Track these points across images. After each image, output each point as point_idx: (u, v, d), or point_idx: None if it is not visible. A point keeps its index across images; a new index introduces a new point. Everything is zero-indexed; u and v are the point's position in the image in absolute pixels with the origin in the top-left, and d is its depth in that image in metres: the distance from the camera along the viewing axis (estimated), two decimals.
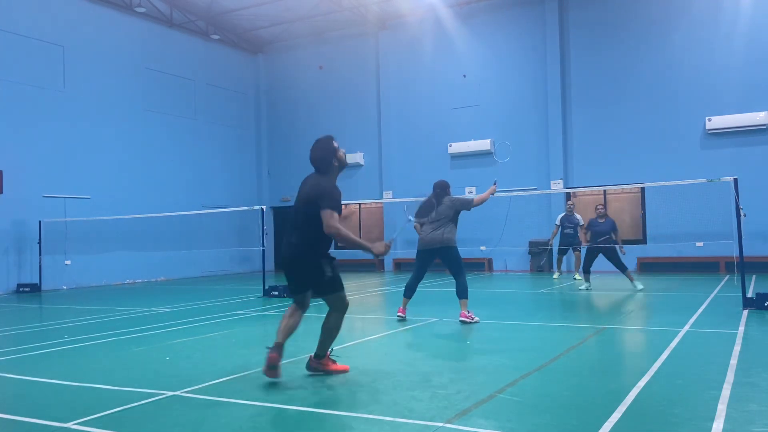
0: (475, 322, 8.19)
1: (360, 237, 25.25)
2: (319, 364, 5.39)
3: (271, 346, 5.08)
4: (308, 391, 4.84)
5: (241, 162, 23.41)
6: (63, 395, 5.02)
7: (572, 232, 14.90)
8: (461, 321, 8.22)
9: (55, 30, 17.22)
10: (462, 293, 8.30)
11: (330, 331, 5.38)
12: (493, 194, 8.56)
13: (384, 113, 21.61)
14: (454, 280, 8.38)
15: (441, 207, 8.39)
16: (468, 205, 8.48)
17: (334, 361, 5.48)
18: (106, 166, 18.25)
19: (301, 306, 5.28)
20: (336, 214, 5.00)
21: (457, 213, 8.44)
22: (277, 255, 23.15)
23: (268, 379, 5.13)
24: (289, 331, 5.18)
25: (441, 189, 8.59)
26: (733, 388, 4.59)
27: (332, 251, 5.33)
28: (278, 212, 23.78)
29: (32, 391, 5.21)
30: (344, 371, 5.44)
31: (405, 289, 8.70)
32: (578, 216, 15.17)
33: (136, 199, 18.67)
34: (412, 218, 8.23)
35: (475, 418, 4.05)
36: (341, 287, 5.34)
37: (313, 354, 5.42)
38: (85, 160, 17.71)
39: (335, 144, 5.31)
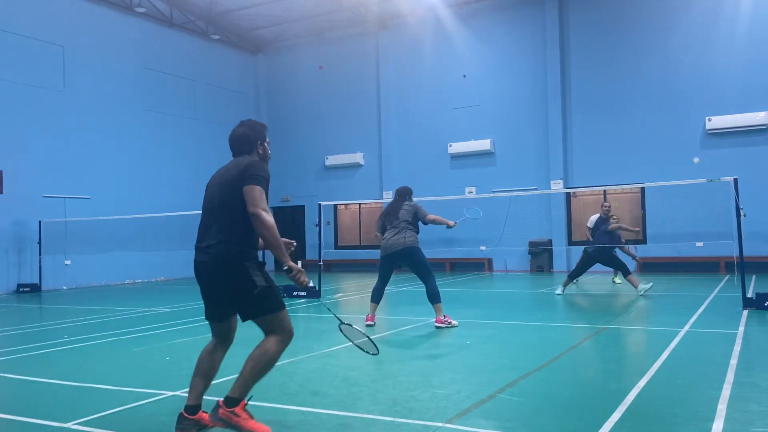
0: (454, 327, 7.98)
1: (360, 237, 24.92)
2: (230, 414, 3.63)
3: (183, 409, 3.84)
4: (308, 391, 4.84)
5: None
6: (63, 395, 5.02)
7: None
8: (437, 327, 7.97)
9: (55, 30, 17.21)
10: (434, 298, 8.02)
11: (260, 366, 3.68)
12: (448, 227, 8.24)
13: (384, 113, 21.61)
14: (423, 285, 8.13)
15: (401, 212, 8.18)
16: (424, 217, 8.20)
17: (250, 416, 3.72)
18: (106, 166, 18.25)
19: (224, 339, 3.98)
20: (264, 194, 3.73)
21: (416, 219, 8.22)
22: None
23: (267, 379, 5.11)
24: (207, 379, 3.90)
25: (401, 195, 8.42)
26: (733, 388, 4.59)
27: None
28: (278, 212, 23.77)
29: (32, 391, 5.21)
30: None
31: (372, 295, 8.41)
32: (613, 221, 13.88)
33: (136, 199, 18.66)
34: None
35: (475, 418, 4.05)
36: (280, 306, 3.79)
37: (222, 398, 3.72)
38: (85, 160, 17.70)
39: (266, 133, 4.16)
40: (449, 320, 8.07)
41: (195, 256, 3.86)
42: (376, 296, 8.38)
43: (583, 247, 12.87)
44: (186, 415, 3.80)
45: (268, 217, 3.63)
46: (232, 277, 3.70)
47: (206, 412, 3.82)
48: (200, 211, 4.08)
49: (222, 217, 3.79)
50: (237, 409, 3.65)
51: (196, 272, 3.85)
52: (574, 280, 13.11)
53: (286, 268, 3.67)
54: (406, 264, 8.22)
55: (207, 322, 4.04)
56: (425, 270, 8.13)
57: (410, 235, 8.08)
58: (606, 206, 13.52)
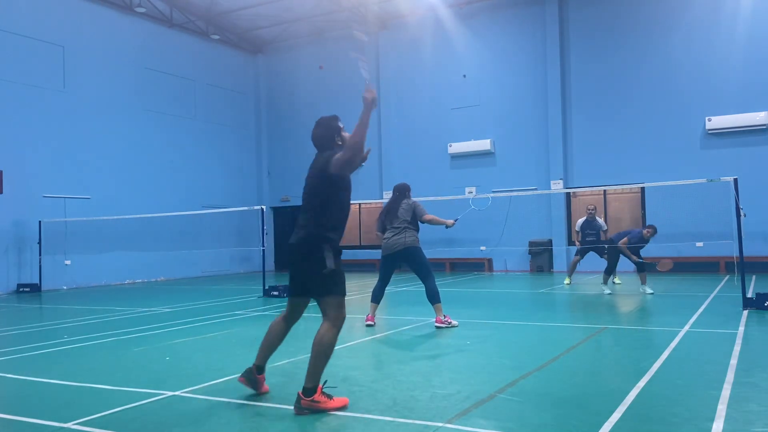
0: (454, 327, 7.98)
1: (360, 237, 25.03)
2: (311, 402, 4.21)
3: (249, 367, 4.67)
4: None
5: (241, 162, 23.41)
6: (63, 395, 5.02)
7: (595, 239, 13.41)
8: (437, 327, 7.95)
9: (55, 30, 17.21)
10: (433, 298, 8.03)
11: (321, 352, 4.25)
12: (447, 227, 8.21)
13: (384, 113, 21.60)
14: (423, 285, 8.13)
15: (400, 210, 8.12)
16: (421, 217, 8.15)
17: (329, 397, 4.32)
18: (106, 166, 18.26)
19: (294, 314, 4.63)
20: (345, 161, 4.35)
21: (416, 217, 8.16)
22: (281, 253, 23.16)
23: (267, 379, 5.13)
24: (273, 344, 4.67)
25: (400, 192, 8.33)
26: (733, 388, 4.59)
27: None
28: (278, 212, 23.78)
29: (32, 391, 5.21)
30: (344, 407, 4.33)
31: (372, 295, 8.36)
32: (600, 220, 13.67)
33: (136, 199, 18.66)
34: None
35: (475, 418, 4.05)
36: (342, 292, 4.35)
37: (300, 390, 4.29)
38: (85, 160, 17.70)
39: (340, 123, 4.64)
40: (449, 320, 8.07)
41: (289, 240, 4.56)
42: (376, 296, 8.36)
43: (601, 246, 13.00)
44: (254, 371, 4.65)
45: (357, 136, 4.21)
46: (308, 255, 4.34)
47: (262, 374, 4.69)
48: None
49: (308, 204, 4.46)
50: (316, 396, 4.24)
51: (286, 252, 4.55)
52: (612, 276, 13.08)
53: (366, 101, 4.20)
54: (407, 264, 8.18)
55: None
56: (425, 270, 8.11)
57: (411, 235, 8.04)
58: (590, 208, 13.55)
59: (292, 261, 4.49)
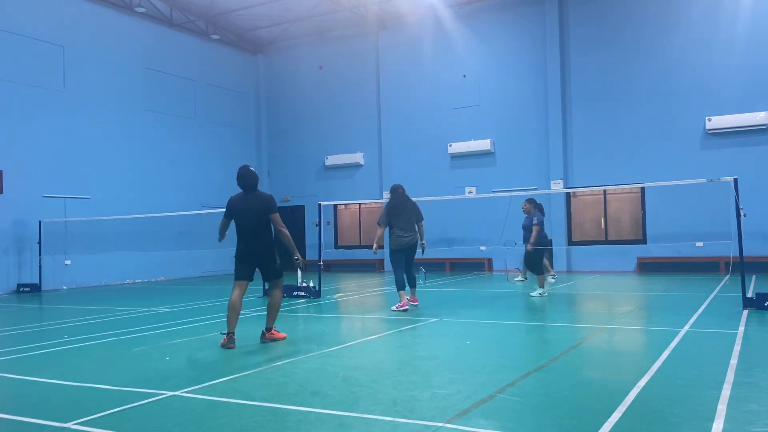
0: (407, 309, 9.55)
1: (360, 236, 25.29)
2: (273, 334, 7.16)
3: (265, 330, 7.18)
4: (308, 392, 4.84)
5: (241, 162, 23.09)
6: (63, 395, 5.02)
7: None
8: (416, 305, 9.88)
9: (55, 30, 17.21)
10: (414, 283, 10.05)
11: (275, 307, 7.13)
12: (422, 247, 10.07)
13: (384, 113, 21.61)
14: (411, 273, 9.89)
15: (414, 212, 9.82)
16: (420, 219, 9.94)
17: (277, 331, 7.29)
18: (106, 166, 18.25)
19: (244, 290, 7.02)
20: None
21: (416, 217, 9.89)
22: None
23: (268, 379, 5.15)
24: (238, 315, 6.96)
25: (403, 190, 9.91)
26: (733, 388, 4.59)
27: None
28: (278, 212, 23.74)
29: (32, 391, 5.21)
30: (284, 338, 7.24)
31: (401, 284, 9.70)
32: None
33: (136, 199, 18.66)
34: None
35: (475, 418, 4.05)
36: (282, 273, 7.25)
37: (265, 329, 7.16)
38: (85, 160, 17.70)
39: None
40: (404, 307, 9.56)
41: (250, 249, 7.01)
42: (404, 284, 9.76)
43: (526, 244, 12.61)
44: (231, 333, 6.85)
45: (286, 231, 7.04)
46: (273, 259, 7.06)
47: (225, 334, 6.92)
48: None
49: (264, 228, 7.05)
50: (273, 331, 7.23)
51: (255, 256, 7.01)
52: (526, 275, 14.23)
53: (296, 257, 7.05)
54: (409, 254, 9.80)
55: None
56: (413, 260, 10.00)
57: (416, 231, 9.94)
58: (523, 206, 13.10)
59: (263, 262, 7.08)
